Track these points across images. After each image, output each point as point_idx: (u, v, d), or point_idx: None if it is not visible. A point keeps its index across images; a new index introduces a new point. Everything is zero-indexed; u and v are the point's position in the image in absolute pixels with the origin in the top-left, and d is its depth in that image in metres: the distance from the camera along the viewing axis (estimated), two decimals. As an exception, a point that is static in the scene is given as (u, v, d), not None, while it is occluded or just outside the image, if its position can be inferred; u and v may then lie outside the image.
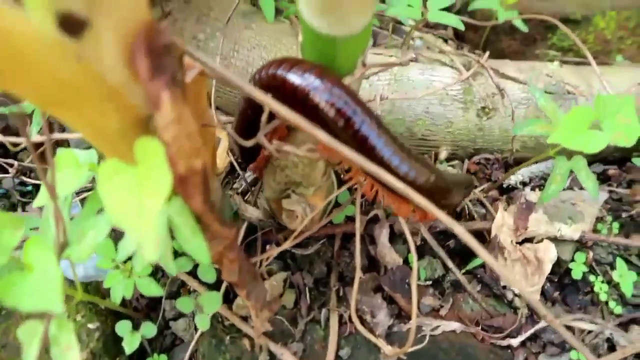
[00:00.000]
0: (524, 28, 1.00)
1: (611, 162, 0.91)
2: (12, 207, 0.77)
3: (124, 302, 0.65)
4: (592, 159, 0.92)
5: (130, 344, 0.61)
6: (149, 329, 0.63)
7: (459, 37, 1.24)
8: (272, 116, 0.52)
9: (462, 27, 0.86)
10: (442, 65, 0.85)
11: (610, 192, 0.87)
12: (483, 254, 0.35)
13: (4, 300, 0.45)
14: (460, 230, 0.36)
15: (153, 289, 0.57)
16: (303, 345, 0.63)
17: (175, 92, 0.37)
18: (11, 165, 0.73)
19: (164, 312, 0.68)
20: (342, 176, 0.65)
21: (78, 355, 0.48)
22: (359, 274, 0.62)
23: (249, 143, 0.55)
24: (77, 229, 0.53)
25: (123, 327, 0.62)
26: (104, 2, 0.32)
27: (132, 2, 0.34)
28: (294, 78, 0.49)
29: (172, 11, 0.91)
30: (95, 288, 0.66)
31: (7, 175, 0.73)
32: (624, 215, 0.82)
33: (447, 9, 1.33)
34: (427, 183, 0.51)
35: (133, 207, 0.40)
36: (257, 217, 0.67)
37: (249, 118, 0.58)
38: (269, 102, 0.40)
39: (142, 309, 0.69)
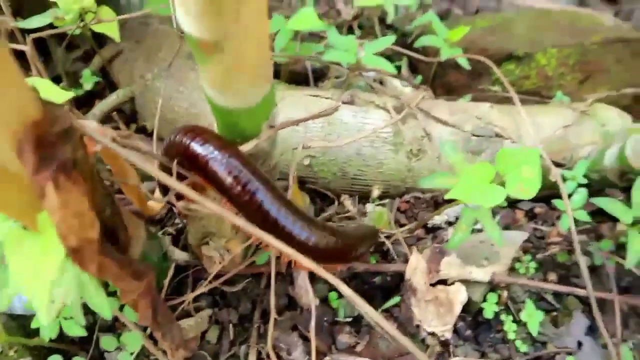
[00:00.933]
0: (466, 66, 1.05)
1: (539, 199, 0.96)
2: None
3: (60, 335, 0.70)
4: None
5: (60, 379, 0.66)
6: (79, 363, 0.68)
7: (414, 68, 1.29)
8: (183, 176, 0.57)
9: (394, 72, 0.91)
10: (376, 107, 0.90)
11: (535, 229, 0.92)
12: (373, 315, 0.41)
13: None
14: (345, 289, 0.41)
15: (76, 330, 0.62)
16: (222, 379, 0.68)
17: (61, 181, 0.41)
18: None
19: (98, 344, 0.73)
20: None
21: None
22: (273, 314, 0.67)
23: (162, 201, 0.60)
24: (3, 276, 0.58)
25: (54, 362, 0.67)
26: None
27: (15, 109, 0.39)
28: (196, 147, 0.54)
29: (124, 50, 0.96)
30: (30, 324, 0.71)
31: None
32: (543, 254, 0.87)
33: (405, 39, 1.38)
34: (328, 245, 0.57)
35: (31, 274, 0.45)
36: (184, 259, 0.72)
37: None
38: (165, 179, 0.45)
39: (77, 342, 0.74)
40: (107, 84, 1.04)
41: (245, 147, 0.57)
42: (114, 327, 0.75)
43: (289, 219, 0.54)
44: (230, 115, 0.55)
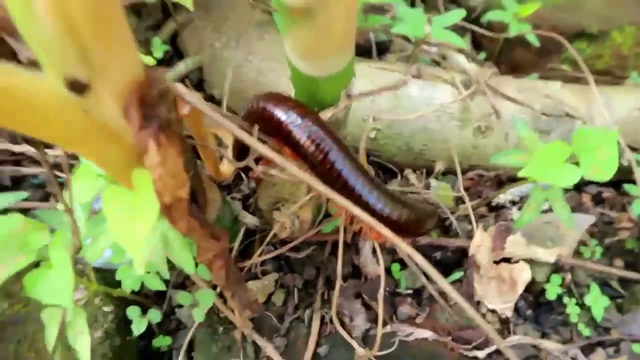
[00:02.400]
0: (536, 43, 1.02)
1: (608, 184, 0.93)
2: (46, 197, 0.87)
3: (136, 291, 0.74)
4: (588, 180, 0.94)
5: (137, 327, 0.71)
6: (154, 315, 0.73)
7: (477, 44, 1.25)
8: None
9: (464, 46, 0.90)
10: (443, 82, 0.89)
11: (602, 214, 0.90)
12: (440, 280, 0.42)
13: (29, 292, 0.55)
14: (420, 259, 0.43)
15: (156, 284, 0.66)
16: (286, 340, 0.71)
17: (161, 139, 0.44)
18: (46, 162, 0.82)
19: (170, 300, 0.77)
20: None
21: (89, 339, 0.58)
22: (339, 281, 0.69)
23: (240, 164, 0.62)
24: (94, 229, 0.62)
25: (133, 312, 0.72)
26: (101, 70, 0.40)
27: (126, 69, 0.41)
28: (280, 114, 0.55)
29: (193, 19, 0.98)
30: (113, 277, 0.76)
31: (42, 169, 0.83)
32: (609, 239, 0.85)
33: (468, 15, 1.35)
34: (401, 217, 0.58)
35: (127, 228, 0.48)
36: (254, 223, 0.74)
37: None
38: (251, 141, 0.46)
39: (151, 296, 0.78)
40: (175, 53, 1.07)
41: (324, 115, 0.58)
42: (185, 285, 0.79)
43: (366, 188, 0.55)
44: (312, 83, 0.56)
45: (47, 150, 0.82)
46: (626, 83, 1.06)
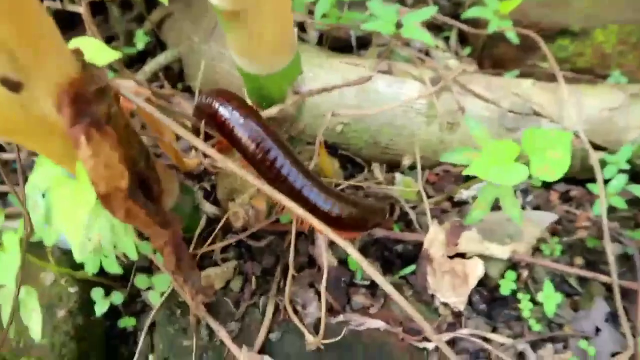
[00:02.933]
0: (515, 40, 1.02)
1: (578, 182, 0.94)
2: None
3: (102, 273, 0.78)
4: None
5: (100, 308, 0.75)
6: (117, 297, 0.76)
7: (464, 39, 1.25)
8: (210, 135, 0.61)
9: (432, 44, 0.91)
10: (412, 78, 0.90)
11: (568, 212, 0.90)
12: (374, 275, 0.45)
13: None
14: (356, 255, 0.46)
15: (114, 268, 0.69)
16: (241, 325, 0.74)
17: (93, 134, 0.46)
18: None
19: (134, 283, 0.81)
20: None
21: (39, 316, 0.61)
22: (292, 270, 0.72)
23: (193, 159, 0.64)
24: (50, 216, 0.65)
25: (96, 293, 0.75)
26: (31, 70, 0.42)
27: (57, 69, 0.44)
28: (224, 112, 0.57)
29: (174, 12, 1.00)
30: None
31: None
32: (571, 238, 0.85)
33: (455, 10, 1.35)
34: (342, 213, 0.60)
35: (68, 214, 0.51)
36: (214, 212, 0.77)
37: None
38: (190, 138, 0.49)
39: (117, 279, 0.82)
40: (158, 44, 1.09)
41: (270, 112, 0.61)
42: (150, 269, 0.83)
43: (307, 185, 0.57)
44: (256, 80, 0.58)
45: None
46: (605, 82, 1.06)
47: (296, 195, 0.58)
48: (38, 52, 0.41)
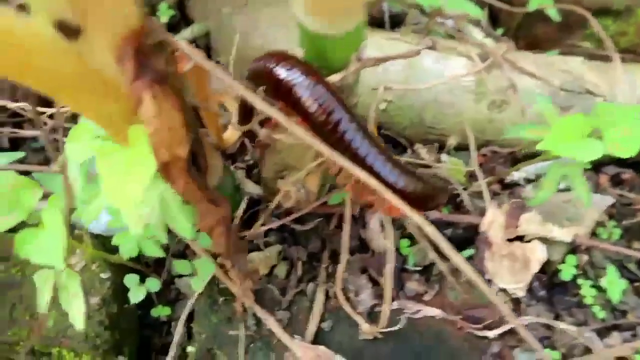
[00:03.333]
0: (556, 18, 0.97)
1: (628, 165, 0.89)
2: (46, 161, 0.85)
3: (135, 258, 0.72)
4: (608, 160, 0.90)
5: (134, 295, 0.69)
6: (153, 284, 0.71)
7: (494, 20, 1.20)
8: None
9: (480, 17, 0.86)
10: (458, 55, 0.85)
11: (621, 196, 0.86)
12: (452, 254, 0.39)
13: (20, 252, 0.52)
14: (432, 231, 0.40)
15: (155, 251, 0.63)
16: (289, 313, 0.69)
17: (157, 90, 0.41)
18: (45, 124, 0.80)
19: (170, 270, 0.75)
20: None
21: (82, 303, 0.56)
22: (345, 255, 0.67)
23: (244, 128, 0.59)
24: (89, 193, 0.59)
25: (130, 280, 0.70)
26: (93, 13, 0.37)
27: (119, 13, 0.38)
28: (281, 72, 0.52)
29: (202, -17, 0.95)
30: (111, 243, 0.74)
31: (39, 133, 0.81)
32: (628, 221, 0.81)
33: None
34: (415, 190, 0.54)
35: (121, 187, 0.45)
36: (257, 192, 0.71)
37: (247, 103, 0.62)
38: (253, 98, 0.43)
39: (151, 264, 0.76)
40: (182, 18, 1.04)
41: (333, 78, 0.55)
42: (185, 254, 0.77)
43: (378, 159, 0.52)
44: (321, 42, 0.52)
45: (45, 111, 0.79)
46: (651, 61, 1.01)
47: (359, 164, 0.52)
48: (102, -7, 0.36)
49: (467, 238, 0.78)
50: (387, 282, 0.59)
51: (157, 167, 0.44)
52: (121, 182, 0.46)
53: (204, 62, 0.46)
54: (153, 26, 0.44)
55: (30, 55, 0.38)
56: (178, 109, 0.44)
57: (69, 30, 0.37)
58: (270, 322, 0.66)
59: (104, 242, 0.72)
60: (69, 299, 0.55)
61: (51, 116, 0.83)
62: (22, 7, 0.40)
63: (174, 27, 1.02)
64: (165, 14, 0.97)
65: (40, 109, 0.84)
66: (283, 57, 0.53)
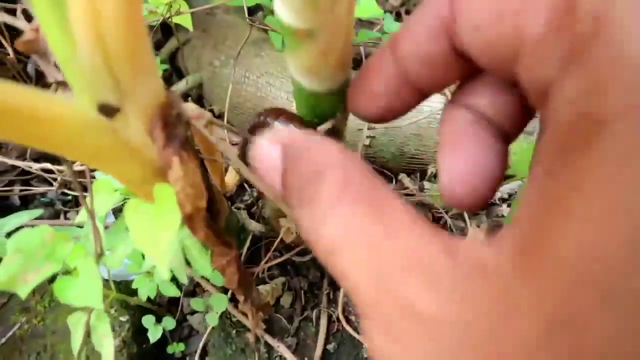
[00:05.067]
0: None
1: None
2: (56, 214, 0.91)
3: (149, 300, 0.78)
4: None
5: (153, 334, 0.74)
6: (169, 322, 0.76)
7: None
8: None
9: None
10: (432, 90, 0.94)
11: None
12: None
13: (60, 298, 0.58)
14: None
15: (171, 291, 0.69)
16: (297, 339, 0.75)
17: (182, 155, 0.48)
18: (55, 180, 0.86)
19: (182, 308, 0.81)
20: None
21: (112, 342, 0.61)
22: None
23: (232, 180, 0.66)
24: (111, 241, 0.66)
25: (148, 320, 0.75)
26: (130, 95, 0.44)
27: (151, 93, 0.45)
28: (279, 126, 0.59)
29: (192, 39, 1.03)
30: (125, 287, 0.79)
31: (52, 188, 0.87)
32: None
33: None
34: None
35: (151, 237, 0.52)
36: (260, 230, 0.78)
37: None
38: (248, 174, 0.51)
39: (164, 305, 0.82)
40: (174, 72, 1.11)
41: (325, 126, 0.63)
42: (195, 292, 0.83)
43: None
44: (315, 97, 0.60)
45: (54, 169, 0.85)
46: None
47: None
48: (139, 74, 0.43)
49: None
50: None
51: (182, 219, 0.51)
52: (150, 233, 0.52)
53: (206, 132, 0.53)
54: (174, 98, 0.52)
55: (72, 134, 0.45)
56: (199, 168, 0.51)
57: (108, 110, 0.45)
58: (282, 349, 0.72)
59: (118, 287, 0.77)
60: (100, 339, 0.60)
61: (59, 171, 0.89)
62: (60, 84, 0.47)
63: (167, 79, 1.10)
64: (159, 68, 1.05)
65: (49, 167, 0.90)
66: (280, 113, 0.61)
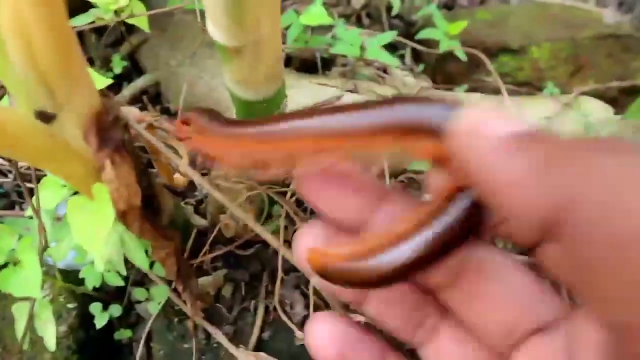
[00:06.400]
0: (463, 57, 1.14)
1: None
2: (11, 205, 0.94)
3: (98, 289, 0.82)
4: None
5: (100, 321, 0.79)
6: (115, 310, 0.81)
7: (417, 56, 1.37)
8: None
9: (394, 64, 1.01)
10: (377, 96, 1.00)
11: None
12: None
13: (3, 288, 0.63)
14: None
15: (116, 280, 0.74)
16: (235, 327, 0.81)
17: (116, 158, 0.53)
18: (10, 172, 0.90)
19: (130, 297, 0.86)
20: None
21: (54, 328, 0.66)
22: (280, 274, 0.79)
23: (181, 177, 0.71)
24: (59, 233, 0.70)
25: (95, 308, 0.80)
26: (65, 104, 0.48)
27: (86, 102, 0.50)
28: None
29: (150, 38, 1.06)
30: (76, 276, 0.84)
31: (7, 179, 0.90)
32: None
33: (410, 29, 1.46)
34: None
35: (88, 232, 0.56)
36: (204, 225, 0.83)
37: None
38: (185, 168, 0.56)
39: (112, 293, 0.86)
40: (133, 68, 1.14)
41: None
42: (144, 283, 0.87)
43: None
44: (248, 105, 0.65)
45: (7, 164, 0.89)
46: (542, 93, 1.20)
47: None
48: (73, 86, 0.48)
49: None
50: (312, 295, 0.73)
51: (117, 215, 0.56)
52: (88, 228, 0.57)
53: (147, 135, 0.58)
54: (111, 104, 0.56)
55: (15, 137, 0.49)
56: (133, 170, 0.56)
57: (45, 117, 0.49)
58: (219, 336, 0.77)
59: (67, 276, 0.81)
60: (42, 325, 0.65)
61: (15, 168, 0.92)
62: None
63: (127, 75, 1.13)
64: (118, 65, 1.08)
65: (2, 160, 0.93)
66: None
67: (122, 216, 0.57)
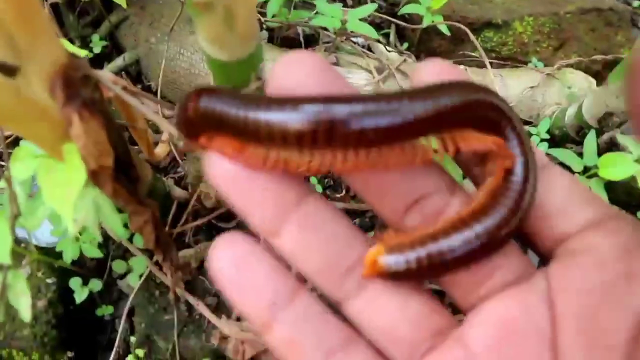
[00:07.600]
0: (447, 32, 1.14)
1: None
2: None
3: (79, 263, 0.81)
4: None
5: (79, 295, 0.78)
6: (95, 285, 0.80)
7: (401, 35, 1.37)
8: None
9: (375, 37, 1.00)
10: (359, 68, 0.99)
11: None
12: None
13: (-28, 256, 0.61)
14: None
15: (94, 252, 0.73)
16: (217, 299, 0.80)
17: (84, 113, 0.52)
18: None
19: (111, 272, 0.85)
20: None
21: (29, 300, 0.65)
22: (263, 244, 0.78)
23: (163, 148, 0.70)
24: (32, 205, 0.69)
25: (74, 282, 0.79)
26: (28, 56, 0.47)
27: (50, 54, 0.49)
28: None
29: (130, 16, 1.05)
30: (55, 251, 0.82)
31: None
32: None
33: (394, 6, 1.45)
34: None
35: (59, 193, 0.55)
36: (184, 197, 0.82)
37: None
38: (160, 122, 0.55)
39: (93, 268, 0.85)
40: (113, 47, 1.13)
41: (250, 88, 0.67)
42: (125, 257, 0.86)
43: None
44: (223, 67, 0.64)
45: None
46: (526, 67, 1.19)
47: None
48: (35, 36, 0.46)
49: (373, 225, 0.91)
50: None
51: (88, 175, 0.55)
52: (59, 189, 0.56)
53: (121, 92, 0.57)
54: (79, 62, 0.55)
55: (-26, 92, 0.48)
56: (102, 127, 0.54)
57: (8, 70, 0.48)
58: (201, 307, 0.76)
59: (47, 253, 0.80)
60: (16, 297, 0.64)
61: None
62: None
63: (107, 55, 1.12)
64: (97, 44, 1.07)
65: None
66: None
67: (94, 176, 0.56)
